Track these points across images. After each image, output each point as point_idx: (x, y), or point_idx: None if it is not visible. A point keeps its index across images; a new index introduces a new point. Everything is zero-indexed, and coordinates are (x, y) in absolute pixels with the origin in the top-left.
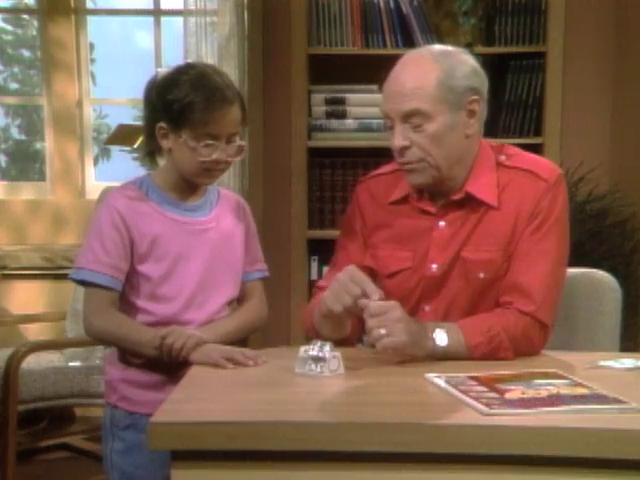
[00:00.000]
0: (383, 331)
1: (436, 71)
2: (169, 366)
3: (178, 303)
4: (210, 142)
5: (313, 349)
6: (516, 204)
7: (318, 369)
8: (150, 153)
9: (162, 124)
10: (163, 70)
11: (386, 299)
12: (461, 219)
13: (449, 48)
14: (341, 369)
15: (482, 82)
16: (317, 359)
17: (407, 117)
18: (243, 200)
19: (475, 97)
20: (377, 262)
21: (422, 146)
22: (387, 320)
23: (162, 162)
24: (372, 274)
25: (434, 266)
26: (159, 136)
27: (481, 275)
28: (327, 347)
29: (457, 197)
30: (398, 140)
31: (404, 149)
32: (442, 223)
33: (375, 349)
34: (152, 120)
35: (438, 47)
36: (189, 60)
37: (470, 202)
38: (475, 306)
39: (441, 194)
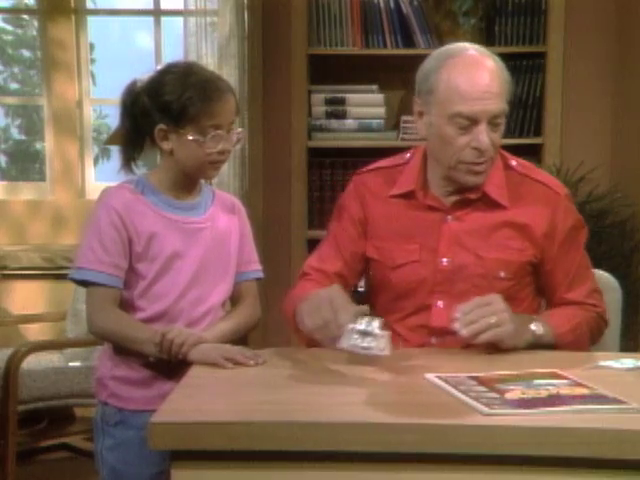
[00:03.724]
0: (494, 319)
1: (505, 72)
2: (158, 363)
3: (169, 300)
4: (215, 133)
5: (361, 323)
6: (530, 211)
7: (365, 343)
8: (129, 160)
9: (161, 126)
10: (142, 76)
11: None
12: (472, 216)
13: None
14: (388, 349)
15: None
16: (364, 333)
17: (494, 117)
18: (238, 201)
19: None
20: (382, 254)
21: (496, 145)
22: (495, 310)
23: (138, 170)
24: (375, 265)
25: (445, 260)
26: (159, 138)
27: (502, 274)
28: (376, 322)
29: (474, 196)
30: (487, 140)
31: (487, 149)
32: (450, 218)
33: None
34: (147, 125)
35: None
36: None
37: (482, 200)
38: None
39: (457, 191)
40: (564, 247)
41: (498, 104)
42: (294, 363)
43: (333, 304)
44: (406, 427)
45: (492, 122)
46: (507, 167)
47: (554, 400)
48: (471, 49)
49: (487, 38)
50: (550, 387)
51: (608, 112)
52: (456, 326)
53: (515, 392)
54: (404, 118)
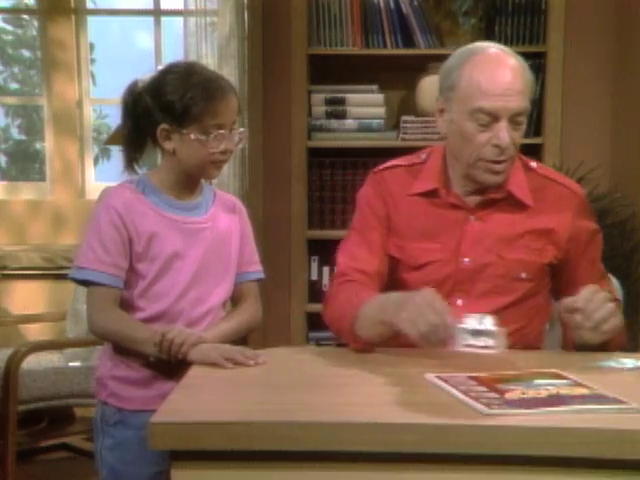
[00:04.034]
0: (611, 308)
1: (527, 71)
2: (158, 363)
3: (169, 300)
4: (218, 133)
5: (470, 322)
6: (553, 212)
7: (482, 342)
8: (132, 160)
9: (164, 126)
10: (143, 76)
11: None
12: (495, 216)
13: None
14: (504, 345)
15: None
16: (477, 332)
17: (516, 115)
18: (239, 201)
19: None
20: (404, 253)
21: (517, 144)
22: (606, 300)
23: (140, 170)
24: (395, 264)
25: (466, 260)
26: (161, 138)
27: (523, 275)
28: (488, 319)
29: (499, 195)
30: (507, 138)
31: (507, 147)
32: (473, 218)
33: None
34: (149, 125)
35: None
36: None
37: (506, 200)
38: (518, 304)
39: (479, 191)
40: (587, 247)
41: (520, 102)
42: (294, 363)
43: (435, 307)
44: (406, 427)
45: (513, 120)
46: (527, 168)
47: (554, 400)
48: (493, 47)
49: (487, 38)
50: (550, 387)
51: (608, 112)
52: (577, 318)
53: (515, 392)
54: (404, 118)
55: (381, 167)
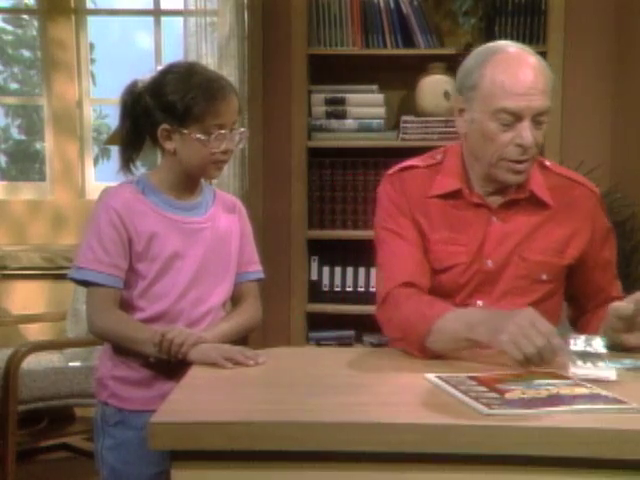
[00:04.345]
0: None
1: (549, 70)
2: (157, 364)
3: (169, 300)
4: (219, 133)
5: (578, 343)
6: (572, 212)
7: (597, 371)
8: (128, 160)
9: (165, 126)
10: (143, 77)
11: None
12: (517, 217)
13: None
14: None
15: None
16: (585, 355)
17: (538, 115)
18: (239, 202)
19: None
20: (429, 256)
21: (539, 144)
22: None
23: (137, 171)
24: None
25: (489, 262)
26: (162, 138)
27: (544, 277)
28: (597, 340)
29: (521, 195)
30: (530, 137)
31: (530, 147)
32: (495, 219)
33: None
34: (149, 125)
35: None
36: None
37: (527, 200)
38: (535, 306)
39: (499, 191)
40: (603, 246)
41: (543, 101)
42: (294, 363)
43: (540, 329)
44: (406, 427)
45: (535, 120)
46: (543, 167)
47: (554, 400)
48: (513, 46)
49: (487, 38)
50: (550, 387)
51: (608, 112)
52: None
53: (515, 392)
54: (404, 118)
55: (397, 168)
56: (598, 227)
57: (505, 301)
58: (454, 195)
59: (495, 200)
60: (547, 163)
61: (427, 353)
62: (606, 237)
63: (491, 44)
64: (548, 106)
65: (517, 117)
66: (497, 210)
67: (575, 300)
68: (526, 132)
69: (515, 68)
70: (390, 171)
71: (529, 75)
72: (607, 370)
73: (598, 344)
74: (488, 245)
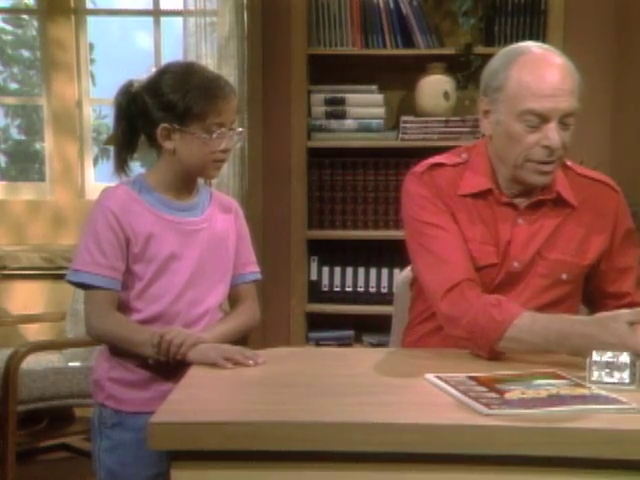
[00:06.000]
0: None
1: (575, 71)
2: (155, 365)
3: (165, 301)
4: (220, 131)
5: (604, 353)
6: (593, 211)
7: (614, 379)
8: (123, 162)
9: (165, 125)
10: (138, 77)
11: None
12: (542, 219)
13: None
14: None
15: None
16: (611, 366)
17: (565, 116)
18: (236, 202)
19: None
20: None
21: (566, 146)
22: None
23: (132, 172)
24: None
25: (516, 263)
26: (161, 138)
27: (564, 277)
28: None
29: (548, 197)
30: (557, 139)
31: (557, 148)
32: (521, 220)
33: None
34: (146, 125)
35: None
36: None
37: (552, 201)
38: (554, 306)
39: (524, 193)
40: (623, 245)
41: (570, 102)
42: (294, 363)
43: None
44: (406, 427)
45: (562, 121)
46: (565, 167)
47: (554, 400)
48: (539, 47)
49: (487, 38)
50: (550, 387)
51: (608, 111)
52: None
53: (515, 392)
54: (404, 118)
55: (425, 166)
56: (620, 227)
57: (525, 300)
58: (483, 195)
59: (521, 202)
60: (568, 163)
61: (494, 354)
62: (628, 237)
63: (517, 45)
64: (575, 107)
65: (543, 118)
66: (523, 211)
67: (594, 303)
68: (553, 133)
69: (541, 69)
70: (417, 168)
71: (555, 76)
72: (629, 379)
73: (624, 354)
74: (514, 246)
